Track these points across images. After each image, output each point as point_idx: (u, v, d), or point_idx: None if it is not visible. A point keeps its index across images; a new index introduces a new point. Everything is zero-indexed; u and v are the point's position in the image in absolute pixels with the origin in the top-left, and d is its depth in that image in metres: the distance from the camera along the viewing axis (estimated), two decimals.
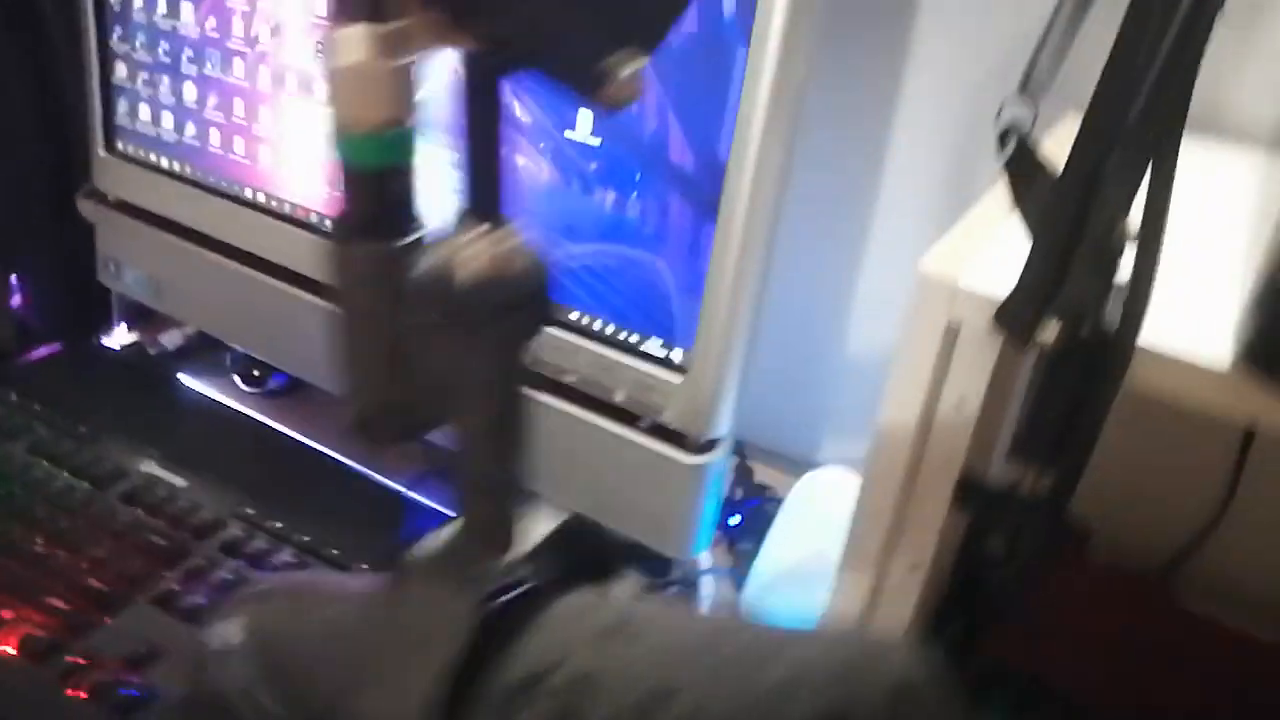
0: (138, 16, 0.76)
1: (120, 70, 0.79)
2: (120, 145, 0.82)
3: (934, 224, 0.52)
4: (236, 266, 0.75)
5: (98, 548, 0.61)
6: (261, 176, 0.73)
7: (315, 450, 0.76)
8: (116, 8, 0.77)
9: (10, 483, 0.66)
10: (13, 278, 0.88)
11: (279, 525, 0.64)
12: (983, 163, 0.47)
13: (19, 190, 0.86)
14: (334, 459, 0.75)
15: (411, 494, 0.73)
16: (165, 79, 0.76)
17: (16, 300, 0.89)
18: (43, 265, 0.89)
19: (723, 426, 0.60)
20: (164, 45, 0.75)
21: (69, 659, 0.54)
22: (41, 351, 0.86)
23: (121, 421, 0.74)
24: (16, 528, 0.62)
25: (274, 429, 0.78)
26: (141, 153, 0.80)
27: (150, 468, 0.68)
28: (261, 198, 0.74)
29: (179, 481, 0.67)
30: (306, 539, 0.63)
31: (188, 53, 0.74)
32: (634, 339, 0.60)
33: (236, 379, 0.83)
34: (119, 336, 0.90)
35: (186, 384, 0.83)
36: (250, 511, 0.65)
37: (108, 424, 0.73)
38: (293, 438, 0.77)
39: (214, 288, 0.78)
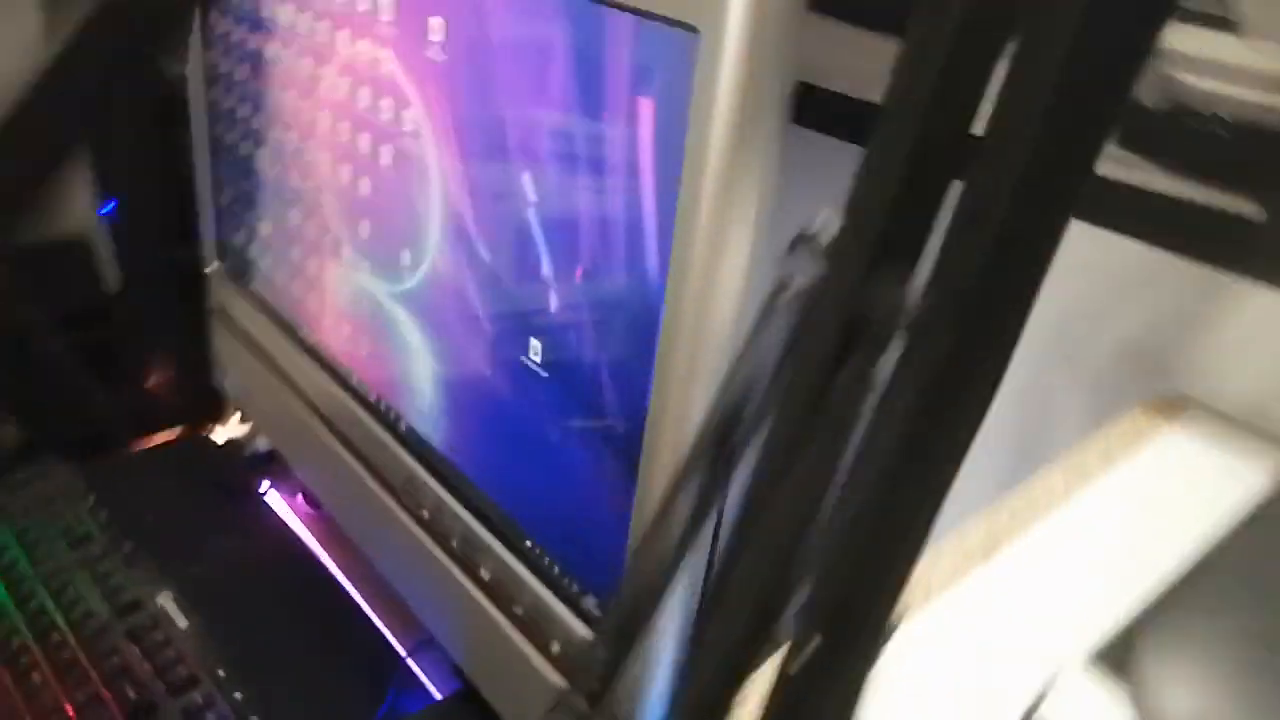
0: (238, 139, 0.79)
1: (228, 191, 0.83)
2: (230, 265, 0.86)
3: None
4: (335, 446, 0.72)
5: (83, 686, 0.64)
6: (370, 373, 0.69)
7: (341, 590, 0.76)
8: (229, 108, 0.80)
9: (43, 594, 0.71)
10: (142, 360, 0.95)
11: (239, 696, 0.64)
12: None
13: (155, 271, 0.93)
14: (356, 605, 0.74)
15: (412, 665, 0.70)
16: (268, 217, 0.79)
17: (149, 381, 0.97)
18: (171, 347, 0.96)
19: None
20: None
21: None
22: (155, 439, 0.93)
23: (169, 536, 0.77)
24: (25, 640, 0.66)
25: (314, 559, 0.79)
26: (250, 282, 0.84)
27: (165, 601, 0.71)
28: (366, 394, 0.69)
29: (181, 624, 0.69)
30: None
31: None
32: (574, 589, 0.53)
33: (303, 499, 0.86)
34: (231, 428, 0.96)
35: (261, 493, 0.86)
36: (221, 674, 0.65)
37: (154, 539, 0.77)
38: (328, 574, 0.77)
39: (310, 448, 0.76)
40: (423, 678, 0.70)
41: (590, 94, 0.43)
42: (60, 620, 0.69)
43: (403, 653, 0.71)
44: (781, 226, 0.35)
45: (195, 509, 0.83)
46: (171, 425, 0.95)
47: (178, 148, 0.86)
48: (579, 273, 0.47)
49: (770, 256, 0.36)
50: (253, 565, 0.77)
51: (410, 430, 0.65)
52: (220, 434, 0.95)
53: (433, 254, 0.57)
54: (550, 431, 0.52)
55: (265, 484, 0.87)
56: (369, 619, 0.74)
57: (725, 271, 0.40)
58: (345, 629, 0.73)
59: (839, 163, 0.30)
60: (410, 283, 0.60)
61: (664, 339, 0.42)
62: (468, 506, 0.60)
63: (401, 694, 0.68)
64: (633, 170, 0.42)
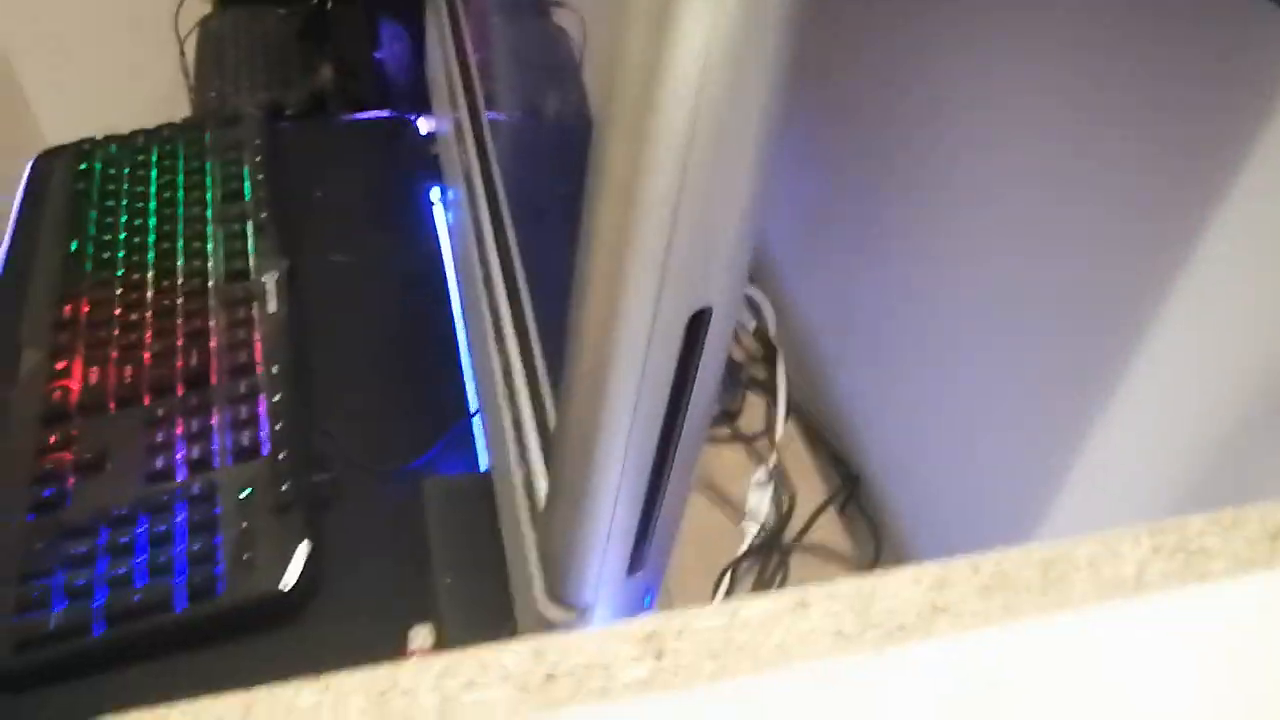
0: None
1: None
2: None
3: None
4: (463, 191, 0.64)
5: (166, 336, 0.64)
6: None
7: (449, 328, 0.69)
8: None
9: (178, 237, 0.71)
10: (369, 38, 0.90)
11: (279, 398, 0.60)
12: None
13: None
14: (455, 348, 0.68)
15: (476, 428, 0.63)
16: None
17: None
18: (398, 29, 0.90)
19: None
20: None
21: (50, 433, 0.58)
22: (363, 115, 0.90)
23: (313, 213, 0.74)
24: (146, 274, 0.67)
25: (441, 287, 0.73)
26: None
27: (270, 280, 0.68)
28: None
29: (271, 307, 0.66)
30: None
31: None
32: None
33: None
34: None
35: (429, 200, 0.80)
36: (275, 370, 0.62)
37: (297, 211, 0.74)
38: (446, 308, 0.71)
39: (456, 176, 0.70)
40: (479, 444, 0.63)
41: None
42: (180, 265, 0.69)
43: (472, 410, 0.64)
44: None
45: (356, 191, 0.79)
46: (383, 107, 0.91)
47: None
48: None
49: None
50: (376, 266, 0.72)
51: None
52: (425, 125, 0.89)
53: None
54: None
55: (438, 192, 0.81)
56: (458, 367, 0.67)
57: None
58: (430, 365, 0.67)
59: None
60: None
61: None
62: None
63: (450, 450, 0.62)
64: None
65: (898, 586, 0.24)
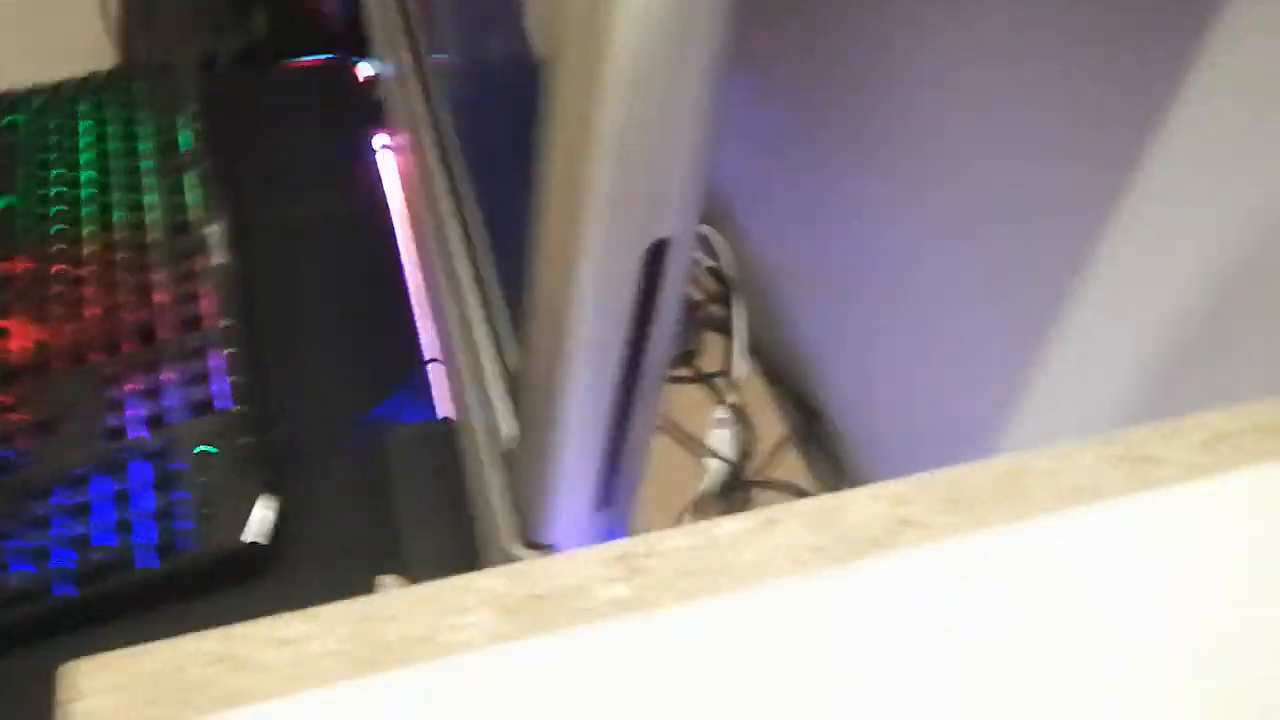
0: None
1: None
2: None
3: None
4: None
5: (110, 292, 0.62)
6: None
7: (399, 277, 0.68)
8: None
9: (118, 192, 0.68)
10: None
11: (229, 352, 0.59)
12: None
13: None
14: (405, 297, 0.67)
15: (431, 375, 0.63)
16: None
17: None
18: None
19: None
20: None
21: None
22: (301, 60, 0.87)
23: (256, 163, 0.72)
24: (84, 232, 0.65)
25: (388, 236, 0.71)
26: None
27: (213, 231, 0.66)
28: None
29: (217, 259, 0.65)
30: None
31: None
32: None
33: None
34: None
35: (373, 146, 0.79)
36: (225, 323, 0.61)
37: (240, 162, 0.72)
38: (394, 257, 0.70)
39: (405, 118, 0.68)
40: (435, 392, 0.63)
41: None
42: (119, 219, 0.67)
43: (426, 359, 0.64)
44: None
45: (297, 140, 0.77)
46: (321, 52, 0.88)
47: None
48: None
49: None
50: (321, 216, 0.71)
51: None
52: (366, 69, 0.87)
53: None
54: None
55: (383, 138, 0.79)
56: (410, 316, 0.66)
57: None
58: (381, 316, 0.66)
59: None
60: None
61: None
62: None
63: (407, 398, 0.62)
64: None
65: (863, 503, 0.24)
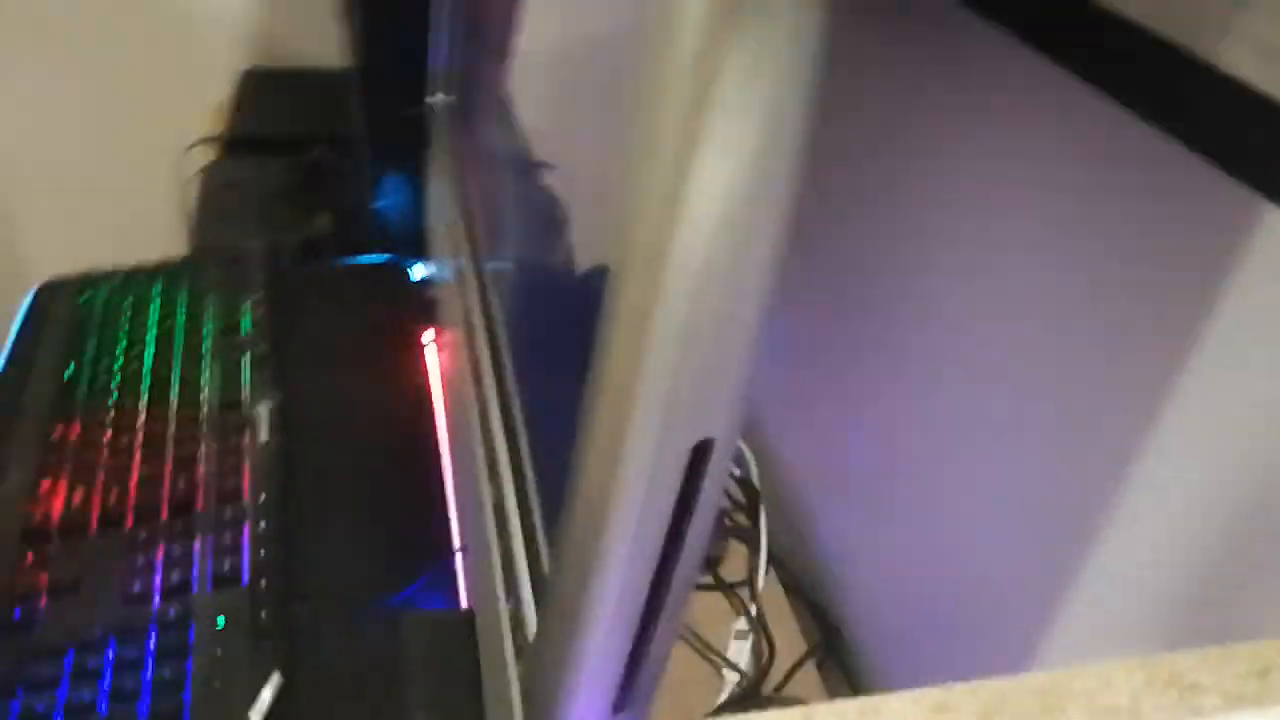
0: None
1: None
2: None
3: None
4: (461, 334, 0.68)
5: (154, 460, 0.64)
6: None
7: (436, 465, 0.70)
8: None
9: (176, 366, 0.72)
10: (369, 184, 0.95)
11: (264, 526, 0.60)
12: None
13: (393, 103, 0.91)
14: (440, 485, 0.68)
15: (459, 564, 0.63)
16: None
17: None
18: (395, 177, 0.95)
19: None
20: None
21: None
22: (360, 259, 0.93)
23: (308, 350, 0.76)
24: (140, 401, 0.68)
25: (430, 425, 0.74)
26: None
27: (263, 410, 0.69)
28: None
29: (263, 437, 0.67)
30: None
31: None
32: None
33: None
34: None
35: (423, 341, 0.83)
36: (262, 498, 0.62)
37: (293, 348, 0.75)
38: (434, 445, 0.72)
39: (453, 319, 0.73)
40: (461, 581, 0.63)
41: None
42: (174, 394, 0.70)
43: (456, 547, 0.64)
44: None
45: (350, 331, 0.81)
46: (380, 252, 0.94)
47: None
48: None
49: None
50: (366, 403, 0.74)
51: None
52: (419, 270, 0.93)
53: None
54: None
55: (431, 335, 0.83)
56: (444, 506, 0.67)
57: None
58: (415, 503, 0.67)
59: None
60: None
61: None
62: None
63: (432, 586, 0.62)
64: None
65: (900, 706, 0.25)
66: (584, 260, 0.44)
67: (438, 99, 0.83)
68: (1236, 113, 0.34)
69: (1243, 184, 0.35)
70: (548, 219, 0.61)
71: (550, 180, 0.60)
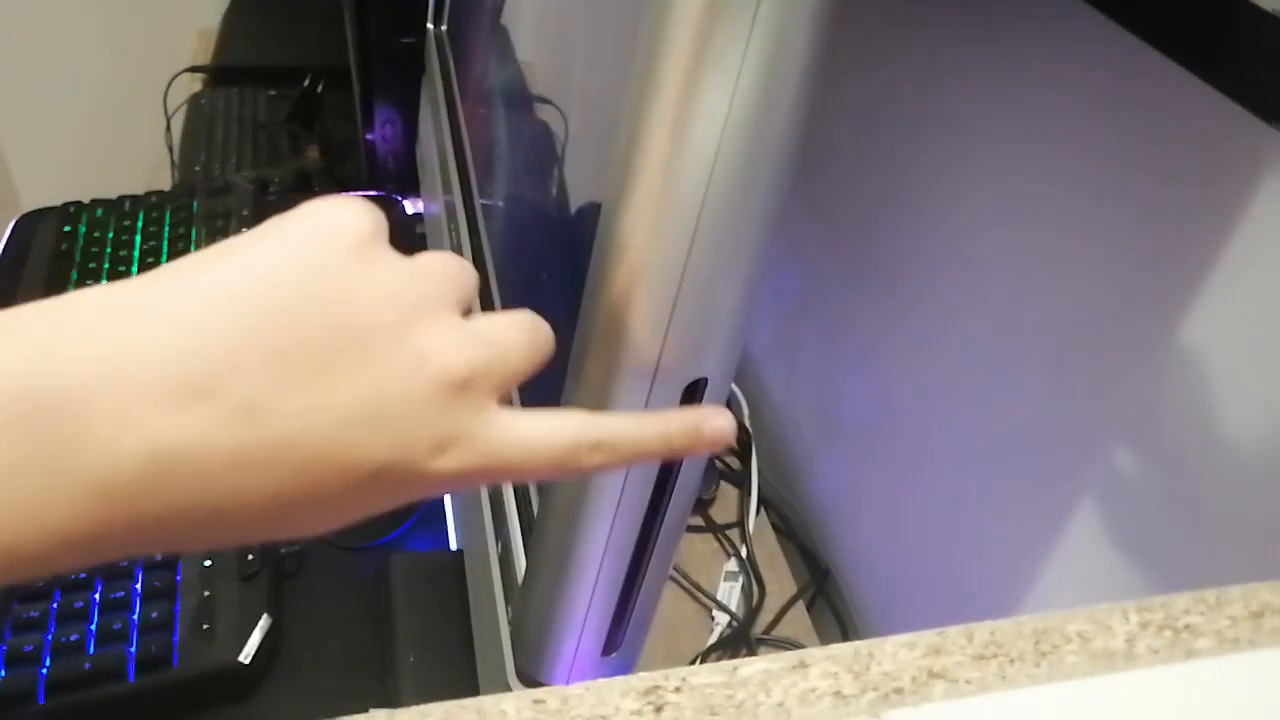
0: None
1: None
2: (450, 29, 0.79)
3: None
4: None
5: None
6: None
7: None
8: None
9: None
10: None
11: None
12: None
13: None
14: None
15: (449, 506, 0.63)
16: None
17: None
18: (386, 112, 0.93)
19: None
20: None
21: None
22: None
23: None
24: None
25: None
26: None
27: None
28: None
29: None
30: None
31: None
32: None
33: None
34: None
35: None
36: None
37: None
38: None
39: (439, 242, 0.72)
40: (449, 522, 0.62)
41: None
42: None
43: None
44: None
45: None
46: (370, 187, 0.93)
47: None
48: None
49: None
50: None
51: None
52: (411, 204, 0.91)
53: None
54: None
55: None
56: None
57: None
58: None
59: None
60: None
61: None
62: None
63: (420, 526, 0.61)
64: None
65: (894, 649, 0.24)
66: (577, 196, 0.43)
67: (432, 28, 0.81)
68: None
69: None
70: (542, 153, 0.59)
71: (545, 114, 0.59)
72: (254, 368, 0.21)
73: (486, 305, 0.54)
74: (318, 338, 0.21)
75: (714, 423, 0.27)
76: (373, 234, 0.24)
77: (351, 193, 0.90)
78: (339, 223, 0.24)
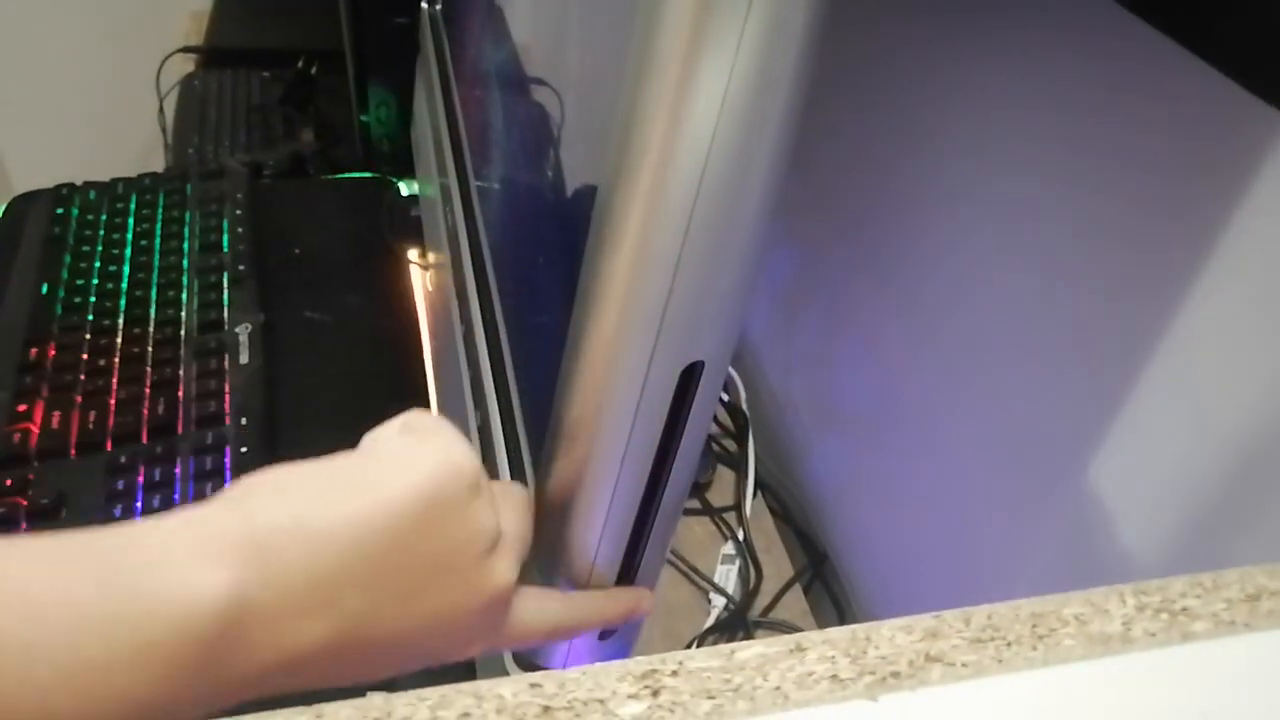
0: None
1: None
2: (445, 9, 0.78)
3: None
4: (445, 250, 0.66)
5: (134, 382, 0.63)
6: None
7: (423, 382, 0.69)
8: None
9: (153, 285, 0.70)
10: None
11: (244, 450, 0.59)
12: None
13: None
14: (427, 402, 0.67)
15: None
16: None
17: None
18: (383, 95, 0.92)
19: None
20: None
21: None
22: (346, 175, 0.91)
23: (290, 269, 0.74)
24: (118, 321, 0.66)
25: (417, 342, 0.72)
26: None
27: (244, 333, 0.68)
28: None
29: (244, 359, 0.66)
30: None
31: None
32: None
33: None
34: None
35: (409, 259, 0.81)
36: (243, 422, 0.61)
37: (275, 267, 0.74)
38: (423, 362, 0.71)
39: (437, 234, 0.71)
40: None
41: None
42: (152, 313, 0.68)
43: None
44: None
45: (333, 249, 0.79)
46: (364, 170, 0.92)
47: None
48: None
49: None
50: (349, 322, 0.72)
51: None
52: (405, 187, 0.91)
53: None
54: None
55: (416, 253, 0.82)
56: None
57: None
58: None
59: None
60: None
61: None
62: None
63: None
64: None
65: (891, 633, 0.24)
66: (573, 177, 0.43)
67: (426, 8, 0.80)
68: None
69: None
70: (538, 134, 0.59)
71: (541, 95, 0.58)
72: (368, 584, 0.26)
73: (484, 298, 0.54)
74: (424, 562, 0.28)
75: (647, 604, 0.38)
76: (480, 470, 0.30)
77: (345, 174, 0.90)
78: (462, 461, 0.29)
